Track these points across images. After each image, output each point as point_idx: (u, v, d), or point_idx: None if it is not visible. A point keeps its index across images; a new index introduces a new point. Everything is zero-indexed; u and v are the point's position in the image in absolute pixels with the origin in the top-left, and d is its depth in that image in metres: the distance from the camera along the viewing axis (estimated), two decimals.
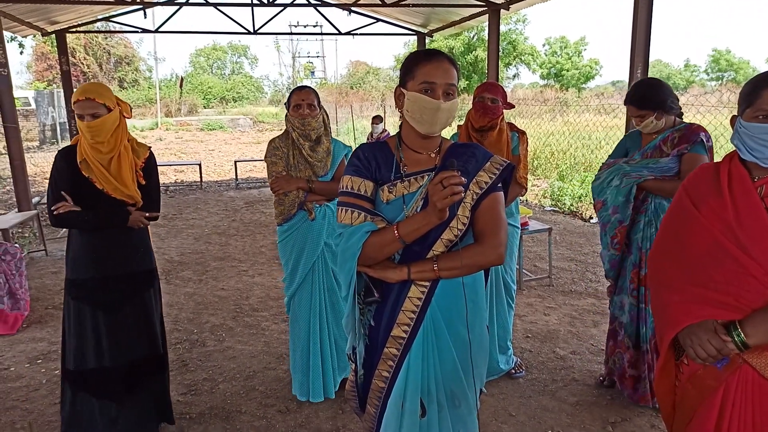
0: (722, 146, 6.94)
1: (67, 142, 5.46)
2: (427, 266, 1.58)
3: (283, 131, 3.06)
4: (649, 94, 2.74)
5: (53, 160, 2.55)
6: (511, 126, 3.21)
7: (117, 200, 2.53)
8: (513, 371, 3.36)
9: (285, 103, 3.05)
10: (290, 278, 3.05)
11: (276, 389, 3.25)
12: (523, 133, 3.21)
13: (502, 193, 1.65)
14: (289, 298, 3.10)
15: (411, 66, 1.60)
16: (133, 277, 2.63)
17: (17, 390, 3.27)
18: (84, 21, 9.93)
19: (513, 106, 3.24)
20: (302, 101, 2.90)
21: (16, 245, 4.55)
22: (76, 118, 2.46)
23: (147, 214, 2.60)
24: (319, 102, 2.98)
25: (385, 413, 1.68)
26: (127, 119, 2.58)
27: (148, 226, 2.72)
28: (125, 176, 2.52)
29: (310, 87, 3.03)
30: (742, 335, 1.38)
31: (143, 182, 2.61)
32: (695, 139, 2.68)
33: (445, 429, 1.69)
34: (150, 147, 2.73)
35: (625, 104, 2.87)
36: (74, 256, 2.57)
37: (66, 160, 2.50)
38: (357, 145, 3.14)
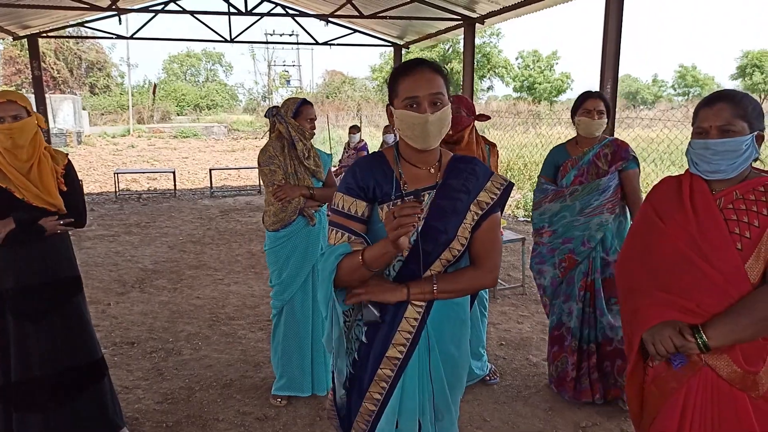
0: None
1: None
2: (426, 288, 1.55)
3: (273, 139, 3.12)
4: (608, 102, 2.99)
5: None
6: (484, 139, 3.31)
7: (38, 209, 2.46)
8: (488, 377, 3.43)
9: (277, 107, 3.12)
10: (287, 282, 3.10)
11: (254, 397, 3.26)
12: (494, 145, 3.31)
13: (499, 214, 1.63)
14: (282, 303, 3.14)
15: (393, 83, 1.56)
16: (57, 284, 2.58)
17: None
18: (57, 26, 9.80)
19: (486, 118, 3.30)
20: (313, 116, 3.11)
21: None
22: None
23: (62, 221, 2.51)
24: None
25: None
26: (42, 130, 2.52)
27: (70, 233, 2.66)
28: (47, 182, 2.47)
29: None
30: (704, 337, 1.47)
31: (65, 189, 2.56)
32: (627, 156, 2.94)
33: None
34: (68, 154, 2.69)
35: (590, 96, 2.99)
36: None
37: None
38: (334, 155, 3.23)
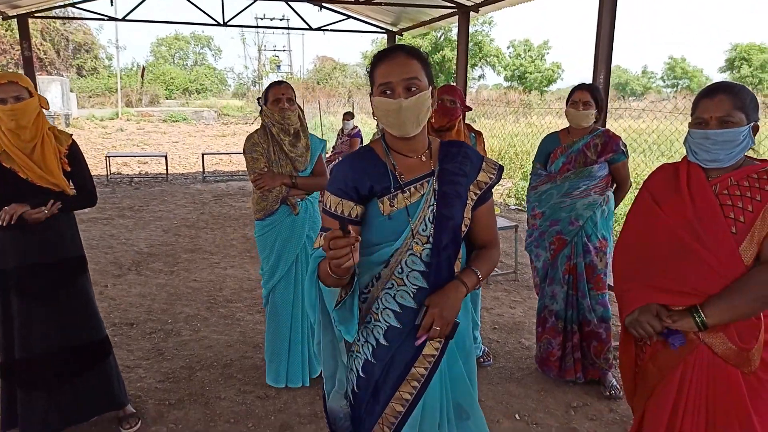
0: (677, 150, 7.31)
1: None
2: (473, 277, 1.57)
3: (260, 126, 3.10)
4: (599, 95, 3.08)
5: None
6: (469, 127, 3.40)
7: (42, 189, 2.49)
8: (482, 359, 3.53)
9: (259, 98, 3.10)
10: (271, 271, 3.11)
11: (254, 377, 3.33)
12: (480, 133, 3.41)
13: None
14: (268, 290, 3.17)
15: (371, 72, 1.54)
16: (62, 263, 2.62)
17: None
18: (47, 6, 9.68)
19: (470, 109, 3.44)
20: (282, 95, 2.96)
21: None
22: None
23: (44, 209, 2.44)
24: (295, 97, 3.06)
25: None
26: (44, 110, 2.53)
27: (74, 214, 2.69)
28: (50, 163, 2.50)
29: (287, 82, 3.11)
30: (703, 316, 1.57)
31: (68, 169, 2.59)
32: (618, 149, 3.05)
33: None
34: (72, 134, 2.71)
35: (578, 88, 3.08)
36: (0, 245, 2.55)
37: None
38: (326, 140, 3.19)
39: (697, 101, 1.68)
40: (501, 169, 1.66)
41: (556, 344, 3.24)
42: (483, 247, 1.69)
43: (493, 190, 1.65)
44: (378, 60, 1.51)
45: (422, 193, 1.56)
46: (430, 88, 1.52)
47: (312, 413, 2.95)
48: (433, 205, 1.55)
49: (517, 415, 2.98)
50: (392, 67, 1.47)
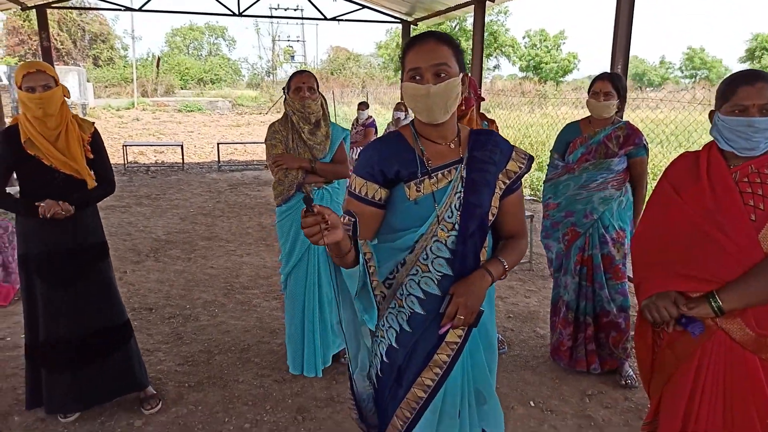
0: (695, 141, 7.23)
1: None
2: (499, 267, 1.58)
3: (282, 115, 3.14)
4: (620, 83, 3.01)
5: None
6: (482, 115, 3.40)
7: (66, 176, 2.56)
8: (497, 347, 3.54)
9: (284, 88, 3.13)
10: (287, 257, 3.15)
11: (271, 361, 3.38)
12: (493, 121, 3.40)
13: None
14: (285, 276, 3.21)
15: (402, 58, 1.54)
16: (85, 250, 2.68)
17: (15, 359, 3.33)
18: None
19: (483, 99, 3.43)
20: (302, 84, 2.98)
21: (7, 219, 4.56)
22: (23, 93, 2.44)
23: (60, 208, 2.50)
24: (318, 86, 3.08)
25: (419, 421, 1.60)
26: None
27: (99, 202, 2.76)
28: (74, 150, 2.56)
29: (309, 71, 3.14)
30: (719, 301, 1.57)
31: (91, 156, 2.65)
32: (639, 143, 3.01)
33: (473, 427, 1.66)
34: (94, 123, 2.77)
35: (599, 78, 3.05)
36: (24, 231, 2.62)
37: (9, 141, 2.50)
38: (348, 131, 3.24)
39: (734, 88, 1.63)
40: (531, 158, 1.65)
41: (566, 334, 3.25)
42: (510, 237, 1.69)
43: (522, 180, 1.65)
44: (409, 46, 1.52)
45: (449, 179, 1.55)
46: (461, 75, 1.51)
47: (328, 397, 3.00)
48: (460, 192, 1.55)
49: (531, 402, 3.00)
50: (422, 52, 1.47)
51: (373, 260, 1.51)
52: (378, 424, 1.71)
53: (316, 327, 3.19)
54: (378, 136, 8.96)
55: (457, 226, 1.54)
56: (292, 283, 3.18)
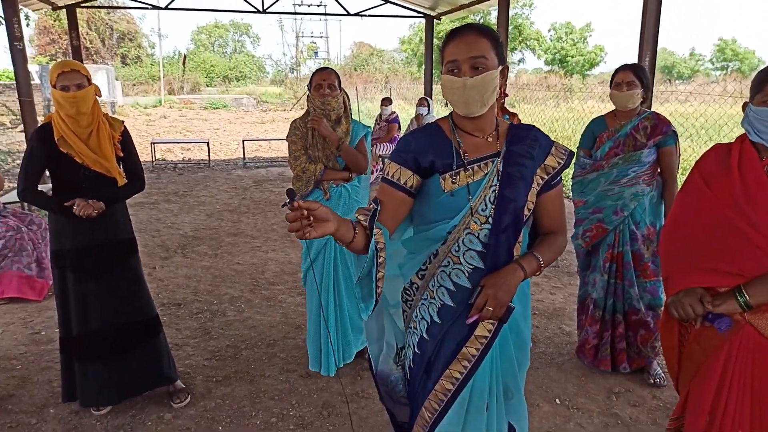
0: (725, 135, 7.07)
1: None
2: (534, 263, 1.56)
3: (305, 111, 3.17)
4: (643, 73, 2.97)
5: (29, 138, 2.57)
6: (503, 109, 3.38)
7: (97, 174, 2.62)
8: None
9: (307, 85, 3.16)
10: (306, 253, 3.20)
11: (297, 357, 3.42)
12: (515, 114, 3.40)
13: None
14: (304, 273, 3.25)
15: (441, 51, 1.54)
16: (115, 245, 2.75)
17: (50, 352, 3.44)
18: None
19: (507, 95, 3.41)
20: (323, 81, 2.99)
21: (40, 216, 4.69)
22: (57, 92, 2.49)
23: (91, 207, 2.57)
24: (339, 83, 3.08)
25: (447, 414, 1.61)
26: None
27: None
28: (105, 148, 2.62)
29: (331, 68, 3.15)
30: (746, 296, 1.55)
31: (121, 154, 2.72)
32: (668, 131, 2.95)
33: (500, 421, 1.67)
34: (123, 121, 2.82)
35: (621, 69, 2.99)
36: (56, 227, 2.68)
37: (42, 139, 2.56)
38: (370, 128, 3.27)
39: (767, 79, 1.61)
40: (571, 153, 1.63)
41: (592, 332, 3.22)
42: (549, 234, 1.67)
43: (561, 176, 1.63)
44: (449, 38, 1.52)
45: (485, 172, 1.55)
46: (500, 68, 1.51)
47: (353, 392, 3.02)
48: (495, 185, 1.54)
49: (557, 400, 2.98)
50: (460, 45, 1.47)
51: (384, 251, 1.49)
52: (408, 413, 1.72)
53: (331, 324, 3.20)
54: (401, 132, 8.99)
55: (490, 220, 1.54)
56: (310, 280, 3.21)
